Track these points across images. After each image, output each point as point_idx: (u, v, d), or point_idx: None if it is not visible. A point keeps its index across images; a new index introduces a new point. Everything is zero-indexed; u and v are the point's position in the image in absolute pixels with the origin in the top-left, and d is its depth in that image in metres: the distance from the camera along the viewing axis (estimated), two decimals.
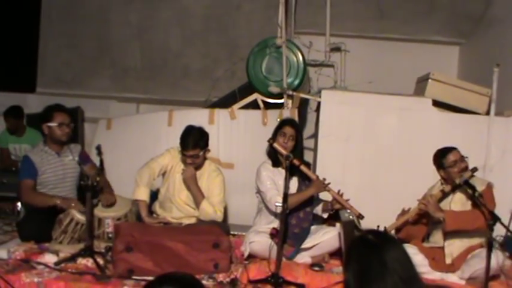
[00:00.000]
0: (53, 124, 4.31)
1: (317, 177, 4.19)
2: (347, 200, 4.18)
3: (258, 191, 4.28)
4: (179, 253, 3.65)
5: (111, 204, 4.27)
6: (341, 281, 3.54)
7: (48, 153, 4.37)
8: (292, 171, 4.09)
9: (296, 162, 4.05)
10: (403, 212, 4.16)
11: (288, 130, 4.25)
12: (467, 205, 3.94)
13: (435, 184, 4.16)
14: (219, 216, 4.33)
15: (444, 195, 4.03)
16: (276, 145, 4.19)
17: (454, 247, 3.92)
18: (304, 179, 4.28)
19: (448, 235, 3.94)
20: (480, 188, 3.80)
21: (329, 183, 4.15)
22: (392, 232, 4.11)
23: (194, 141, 4.24)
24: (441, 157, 4.02)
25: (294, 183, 4.24)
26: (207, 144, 4.35)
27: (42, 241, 4.08)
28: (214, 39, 7.52)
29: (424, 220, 4.11)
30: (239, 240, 4.40)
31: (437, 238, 4.06)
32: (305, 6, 6.64)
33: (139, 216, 4.25)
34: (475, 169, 3.90)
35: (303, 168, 4.16)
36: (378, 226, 4.70)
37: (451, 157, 3.96)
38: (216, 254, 3.73)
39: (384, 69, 7.05)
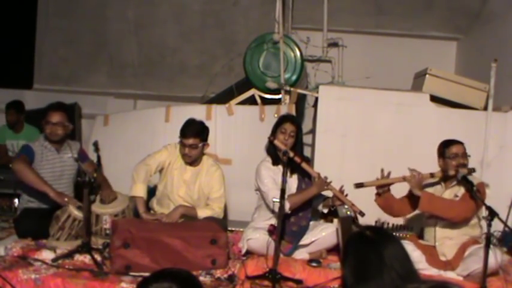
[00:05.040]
0: (44, 121, 4.33)
1: (318, 175, 4.11)
2: (347, 197, 4.16)
3: (258, 189, 4.22)
4: (176, 249, 3.65)
5: (112, 200, 4.24)
6: (338, 277, 3.55)
7: (48, 149, 4.36)
8: (292, 168, 4.07)
9: (297, 159, 4.01)
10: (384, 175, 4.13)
11: (289, 127, 4.18)
12: None
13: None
14: (218, 213, 4.33)
15: (432, 179, 4.06)
16: (276, 142, 4.11)
17: (445, 246, 3.94)
18: (304, 177, 4.25)
19: (438, 235, 3.97)
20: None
21: (330, 182, 4.11)
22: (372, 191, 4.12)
23: (195, 130, 4.24)
24: (445, 146, 4.06)
25: (293, 180, 4.22)
26: (206, 138, 4.34)
27: (39, 238, 4.08)
28: (212, 35, 7.51)
29: (410, 202, 4.11)
30: (237, 236, 4.40)
31: (429, 237, 4.09)
32: (302, 2, 6.62)
33: (137, 213, 4.23)
34: (472, 169, 3.94)
35: (304, 166, 4.11)
36: (376, 221, 4.73)
37: (454, 149, 4.00)
38: (214, 250, 3.72)
39: (381, 65, 7.05)
